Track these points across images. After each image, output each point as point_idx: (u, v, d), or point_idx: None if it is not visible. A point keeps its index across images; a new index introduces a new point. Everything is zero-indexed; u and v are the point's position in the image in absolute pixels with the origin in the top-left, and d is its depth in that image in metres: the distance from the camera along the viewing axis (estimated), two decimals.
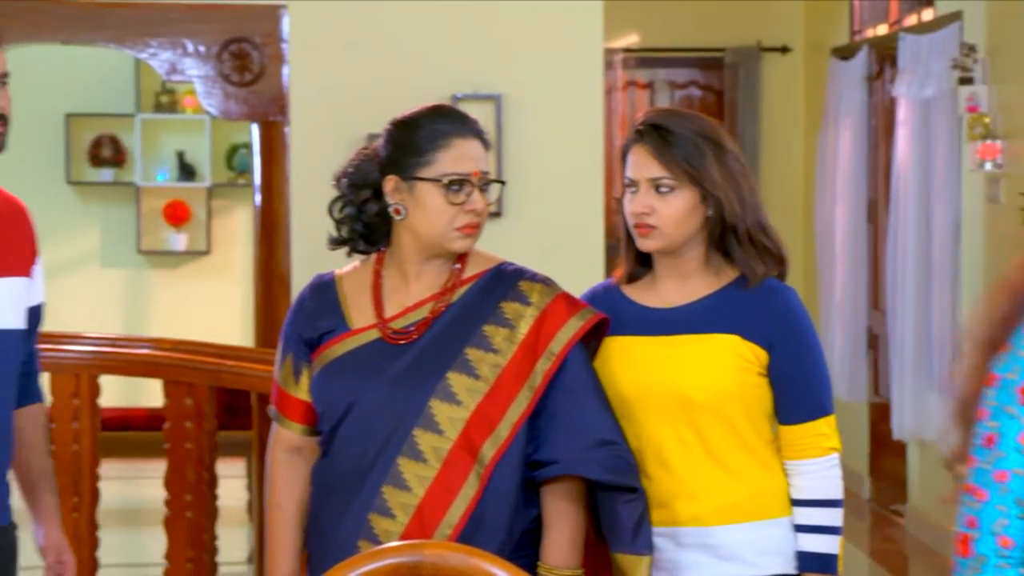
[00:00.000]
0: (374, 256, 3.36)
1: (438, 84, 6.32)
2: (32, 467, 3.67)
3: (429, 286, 3.28)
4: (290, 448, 3.37)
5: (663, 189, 3.26)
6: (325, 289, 3.36)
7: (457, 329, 3.25)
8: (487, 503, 3.19)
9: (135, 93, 10.27)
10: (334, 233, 3.38)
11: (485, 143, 3.29)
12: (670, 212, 3.26)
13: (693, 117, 3.32)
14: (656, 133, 3.27)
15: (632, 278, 3.40)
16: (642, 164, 3.28)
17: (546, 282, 3.30)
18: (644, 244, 3.30)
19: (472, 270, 3.31)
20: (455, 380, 3.21)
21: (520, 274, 3.31)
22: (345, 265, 3.41)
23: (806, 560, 3.29)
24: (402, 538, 3.15)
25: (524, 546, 3.24)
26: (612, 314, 3.34)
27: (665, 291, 3.35)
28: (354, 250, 3.38)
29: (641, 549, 3.24)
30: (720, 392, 3.26)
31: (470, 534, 3.15)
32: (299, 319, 3.35)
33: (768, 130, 10.37)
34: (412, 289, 3.29)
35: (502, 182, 3.41)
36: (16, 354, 3.50)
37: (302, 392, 3.34)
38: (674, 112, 3.34)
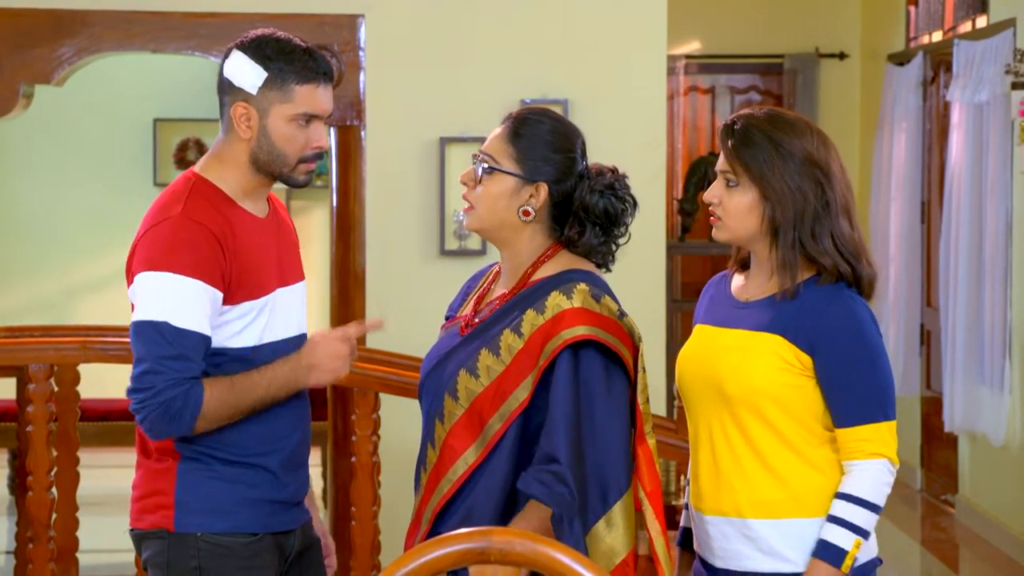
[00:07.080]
0: None
1: (507, 90, 6.44)
2: None
3: (506, 284, 3.44)
4: None
5: (730, 183, 3.35)
6: (477, 277, 3.58)
7: (502, 317, 3.37)
8: (485, 471, 3.30)
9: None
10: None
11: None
12: (732, 205, 3.34)
13: (788, 126, 3.33)
14: (732, 130, 3.36)
15: (744, 265, 3.48)
16: (721, 157, 3.39)
17: (594, 291, 3.31)
18: (713, 233, 3.41)
19: (541, 275, 3.38)
20: (483, 356, 3.33)
21: (575, 274, 3.35)
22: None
23: (818, 546, 3.26)
24: (425, 487, 3.35)
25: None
26: (711, 299, 3.48)
27: (753, 286, 3.41)
28: None
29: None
30: (753, 389, 3.29)
31: (466, 495, 3.30)
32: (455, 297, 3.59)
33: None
34: (497, 287, 3.46)
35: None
36: None
37: None
38: (768, 116, 3.37)
